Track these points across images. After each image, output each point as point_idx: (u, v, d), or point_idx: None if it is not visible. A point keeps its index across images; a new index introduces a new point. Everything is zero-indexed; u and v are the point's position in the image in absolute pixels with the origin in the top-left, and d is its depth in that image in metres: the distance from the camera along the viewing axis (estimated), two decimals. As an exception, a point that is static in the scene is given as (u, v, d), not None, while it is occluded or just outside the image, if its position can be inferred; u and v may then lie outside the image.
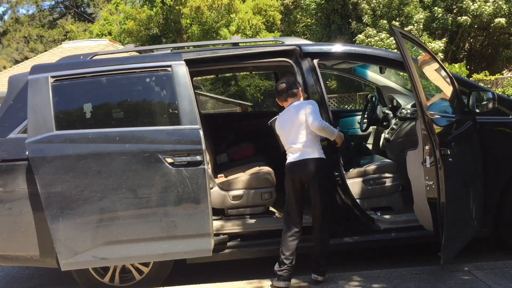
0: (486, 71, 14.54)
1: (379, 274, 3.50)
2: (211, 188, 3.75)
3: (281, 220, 3.50)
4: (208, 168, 3.56)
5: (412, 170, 3.56)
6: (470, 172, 3.62)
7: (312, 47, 3.90)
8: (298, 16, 22.12)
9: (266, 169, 4.13)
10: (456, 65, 13.59)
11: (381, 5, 14.78)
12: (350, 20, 16.22)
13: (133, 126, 3.46)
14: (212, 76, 17.67)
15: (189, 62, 3.63)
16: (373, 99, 5.14)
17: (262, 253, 3.75)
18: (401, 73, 5.46)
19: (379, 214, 3.98)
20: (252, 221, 3.92)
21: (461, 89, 3.80)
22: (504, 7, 13.78)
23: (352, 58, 4.14)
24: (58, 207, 3.28)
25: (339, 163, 3.69)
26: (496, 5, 13.74)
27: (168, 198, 3.35)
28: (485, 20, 13.94)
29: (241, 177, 4.04)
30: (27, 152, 3.33)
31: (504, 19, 13.73)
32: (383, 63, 4.20)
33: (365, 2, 15.15)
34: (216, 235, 3.64)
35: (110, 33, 24.60)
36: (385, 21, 14.37)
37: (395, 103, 5.14)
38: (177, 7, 20.61)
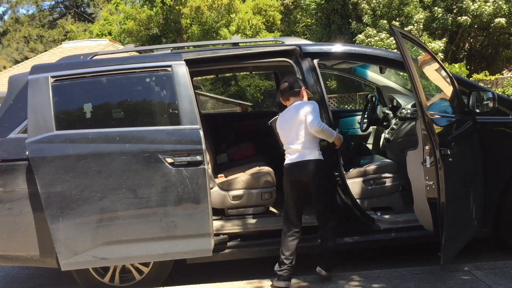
0: (486, 71, 14.54)
1: (379, 274, 3.50)
2: (211, 188, 3.75)
3: (281, 220, 3.50)
4: (208, 168, 3.56)
5: (412, 170, 3.56)
6: (470, 172, 3.62)
7: (312, 47, 3.90)
8: (298, 16, 22.12)
9: (266, 169, 4.13)
10: (456, 65, 13.59)
11: (381, 5, 14.78)
12: (350, 20, 16.22)
13: (133, 126, 3.45)
14: (212, 76, 17.67)
15: (189, 62, 3.63)
16: (373, 99, 5.14)
17: (262, 253, 3.75)
18: (401, 73, 5.46)
19: (379, 214, 3.98)
20: (252, 221, 3.92)
21: (461, 89, 3.80)
22: (504, 7, 13.78)
23: (352, 58, 4.14)
24: (58, 207, 3.28)
25: (339, 163, 3.69)
26: (496, 5, 13.74)
27: (168, 198, 3.34)
28: (485, 20, 13.94)
29: (241, 177, 4.04)
30: (27, 152, 3.33)
31: (504, 19, 13.73)
32: (383, 63, 4.20)
33: (365, 2, 15.15)
34: (216, 235, 3.64)
35: (110, 33, 24.60)
36: (385, 21, 14.37)
37: (395, 103, 5.14)
38: (177, 7, 20.61)
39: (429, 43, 13.21)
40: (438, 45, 13.35)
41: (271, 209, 4.22)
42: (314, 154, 3.32)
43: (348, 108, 14.78)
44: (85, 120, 3.51)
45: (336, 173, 3.67)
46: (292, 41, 3.94)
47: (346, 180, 3.77)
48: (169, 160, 3.34)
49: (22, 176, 3.43)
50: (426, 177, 3.23)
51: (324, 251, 3.44)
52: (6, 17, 39.57)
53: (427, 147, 3.18)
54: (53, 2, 38.82)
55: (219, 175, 4.24)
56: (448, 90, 3.76)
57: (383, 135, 5.17)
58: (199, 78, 16.27)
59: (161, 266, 3.62)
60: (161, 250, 3.41)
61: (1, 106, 3.69)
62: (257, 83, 21.51)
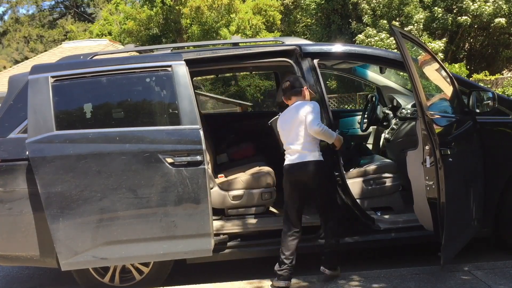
0: (486, 71, 14.54)
1: (379, 274, 3.50)
2: (211, 188, 3.75)
3: (281, 220, 3.51)
4: (208, 168, 3.56)
5: (412, 170, 3.56)
6: (470, 172, 3.62)
7: (312, 47, 3.90)
8: (298, 16, 22.12)
9: (266, 169, 4.13)
10: (456, 65, 13.59)
11: (381, 5, 14.78)
12: (350, 20, 16.22)
13: (133, 126, 3.46)
14: (212, 76, 17.67)
15: (189, 62, 3.63)
16: (373, 99, 5.14)
17: (262, 253, 3.75)
18: (401, 73, 5.46)
19: (379, 214, 3.98)
20: (252, 221, 3.92)
21: (461, 89, 3.80)
22: (504, 7, 13.78)
23: (352, 58, 4.14)
24: (58, 207, 3.28)
25: (339, 163, 3.69)
26: (496, 5, 13.74)
27: (168, 198, 3.34)
28: (485, 20, 13.94)
29: (241, 177, 4.04)
30: (27, 152, 3.33)
31: (504, 19, 13.73)
32: (383, 63, 4.20)
33: (365, 2, 15.15)
34: (216, 235, 3.64)
35: (110, 33, 24.60)
36: (385, 21, 14.37)
37: (395, 103, 5.14)
38: (177, 7, 20.61)
39: (429, 43, 13.21)
40: (438, 45, 13.35)
41: (271, 209, 4.22)
42: (314, 155, 3.32)
43: (348, 108, 14.78)
44: (85, 120, 3.51)
45: (336, 173, 3.67)
46: (292, 41, 3.94)
47: (346, 180, 3.77)
48: (169, 160, 3.34)
49: (22, 176, 3.43)
50: (426, 177, 3.23)
51: (327, 249, 3.44)
52: (6, 17, 39.63)
53: (427, 147, 3.18)
54: (53, 2, 38.87)
55: (219, 175, 4.24)
56: (448, 90, 3.76)
57: (383, 135, 5.17)
58: (199, 78, 16.27)
59: (161, 266, 3.62)
60: (161, 250, 3.41)
61: (1, 106, 3.69)
62: (257, 83, 21.52)
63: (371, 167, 4.14)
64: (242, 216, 3.98)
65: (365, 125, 5.24)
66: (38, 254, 3.50)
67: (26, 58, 30.10)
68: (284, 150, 3.45)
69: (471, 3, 13.76)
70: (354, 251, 4.14)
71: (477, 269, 3.47)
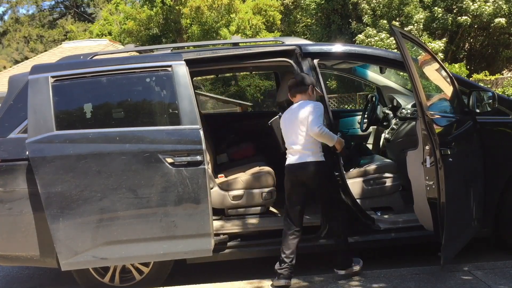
0: (486, 71, 14.54)
1: (379, 274, 3.50)
2: (211, 188, 3.75)
3: (281, 220, 3.51)
4: (208, 168, 3.56)
5: (412, 170, 3.56)
6: (470, 172, 3.62)
7: (312, 47, 3.90)
8: (298, 16, 22.12)
9: (266, 169, 4.13)
10: (456, 65, 13.59)
11: (381, 5, 14.78)
12: (350, 20, 16.22)
13: (133, 126, 3.46)
14: (212, 76, 17.67)
15: (189, 62, 3.63)
16: (373, 99, 5.14)
17: (262, 253, 3.75)
18: (401, 73, 5.46)
19: (379, 214, 3.98)
20: (252, 221, 3.92)
21: (461, 89, 3.80)
22: (504, 7, 13.78)
23: (352, 58, 4.14)
24: (58, 207, 3.28)
25: (339, 163, 3.69)
26: (496, 5, 13.74)
27: (168, 198, 3.34)
28: (485, 20, 13.94)
29: (241, 177, 4.04)
30: (27, 152, 3.33)
31: (504, 19, 13.73)
32: (383, 63, 4.20)
33: (365, 2, 15.15)
34: (216, 235, 3.63)
35: (110, 33, 24.60)
36: (385, 21, 14.37)
37: (395, 103, 5.14)
38: (177, 7, 20.61)
39: (429, 43, 13.21)
40: (438, 45, 13.35)
41: (271, 209, 4.22)
42: (314, 156, 3.31)
43: (348, 108, 14.78)
44: (85, 120, 3.51)
45: (336, 173, 3.67)
46: (292, 41, 3.94)
47: (346, 180, 3.77)
48: (169, 160, 3.34)
49: (22, 176, 3.42)
50: (426, 177, 3.23)
51: (336, 249, 3.46)
52: (6, 17, 39.61)
53: (427, 147, 3.18)
54: (53, 2, 38.86)
55: (219, 175, 4.24)
56: (448, 90, 3.76)
57: (383, 135, 5.17)
58: (199, 78, 16.27)
59: (161, 266, 3.62)
60: (161, 250, 3.41)
61: (1, 106, 3.69)
62: (257, 83, 21.52)
63: (371, 167, 4.14)
64: (242, 216, 3.98)
65: (365, 125, 5.24)
66: (38, 254, 3.50)
67: (26, 58, 30.10)
68: (286, 150, 3.45)
69: (471, 3, 13.76)
70: (354, 251, 4.13)
71: (477, 269, 3.47)
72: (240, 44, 4.10)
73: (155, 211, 3.36)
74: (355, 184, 4.02)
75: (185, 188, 3.34)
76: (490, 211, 3.74)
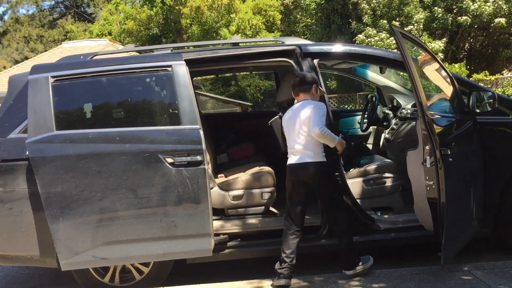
0: (486, 71, 14.54)
1: (379, 274, 3.50)
2: (211, 188, 3.75)
3: (281, 220, 3.51)
4: (208, 168, 3.56)
5: (412, 170, 3.56)
6: (470, 172, 3.62)
7: (312, 47, 3.90)
8: (298, 16, 22.12)
9: (267, 169, 4.13)
10: (456, 65, 13.59)
11: (381, 5, 14.78)
12: (350, 20, 16.23)
13: (133, 126, 3.46)
14: (212, 76, 17.67)
15: (189, 62, 3.63)
16: (373, 99, 5.14)
17: (262, 253, 3.75)
18: (401, 73, 5.46)
19: (379, 214, 3.98)
20: (252, 221, 3.92)
21: (461, 89, 3.80)
22: (504, 7, 13.78)
23: (352, 58, 4.14)
24: (58, 207, 3.28)
25: (339, 163, 3.69)
26: (496, 5, 13.74)
27: (168, 198, 3.34)
28: (485, 20, 13.94)
29: (241, 177, 4.04)
30: (27, 152, 3.33)
31: (504, 19, 13.73)
32: (383, 63, 4.20)
33: (365, 2, 15.15)
34: (216, 235, 3.63)
35: (110, 33, 24.60)
36: (385, 21, 14.37)
37: (395, 103, 5.14)
38: (177, 7, 20.61)
39: (429, 43, 13.21)
40: (438, 45, 13.35)
41: (271, 209, 4.22)
42: (316, 156, 3.31)
43: (348, 108, 14.78)
44: (85, 120, 3.51)
45: (336, 173, 3.67)
46: (292, 41, 3.94)
47: (346, 180, 3.77)
48: (169, 160, 3.34)
49: (22, 176, 3.42)
50: (426, 177, 3.23)
51: (340, 249, 3.47)
52: (6, 17, 39.61)
53: (427, 147, 3.18)
54: (53, 2, 38.87)
55: (219, 175, 4.24)
56: (448, 90, 3.76)
57: (383, 135, 5.17)
58: (199, 78, 16.27)
59: (161, 266, 3.62)
60: (161, 250, 3.41)
61: (1, 106, 3.69)
62: (257, 83, 21.52)
63: (371, 167, 4.14)
64: (242, 216, 3.98)
65: (365, 125, 5.24)
66: (38, 254, 3.50)
67: (26, 58, 30.10)
68: (286, 150, 3.45)
69: (471, 3, 13.76)
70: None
71: (477, 269, 3.47)
72: (240, 44, 4.10)
73: (155, 211, 3.36)
74: (355, 184, 4.02)
75: (185, 188, 3.34)
76: (490, 211, 3.74)
